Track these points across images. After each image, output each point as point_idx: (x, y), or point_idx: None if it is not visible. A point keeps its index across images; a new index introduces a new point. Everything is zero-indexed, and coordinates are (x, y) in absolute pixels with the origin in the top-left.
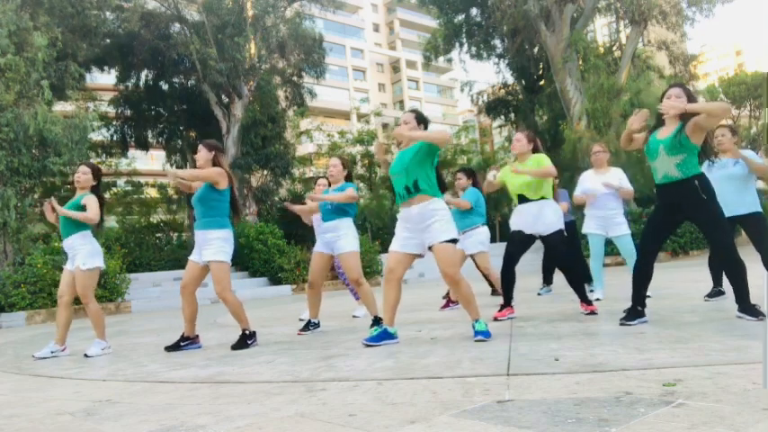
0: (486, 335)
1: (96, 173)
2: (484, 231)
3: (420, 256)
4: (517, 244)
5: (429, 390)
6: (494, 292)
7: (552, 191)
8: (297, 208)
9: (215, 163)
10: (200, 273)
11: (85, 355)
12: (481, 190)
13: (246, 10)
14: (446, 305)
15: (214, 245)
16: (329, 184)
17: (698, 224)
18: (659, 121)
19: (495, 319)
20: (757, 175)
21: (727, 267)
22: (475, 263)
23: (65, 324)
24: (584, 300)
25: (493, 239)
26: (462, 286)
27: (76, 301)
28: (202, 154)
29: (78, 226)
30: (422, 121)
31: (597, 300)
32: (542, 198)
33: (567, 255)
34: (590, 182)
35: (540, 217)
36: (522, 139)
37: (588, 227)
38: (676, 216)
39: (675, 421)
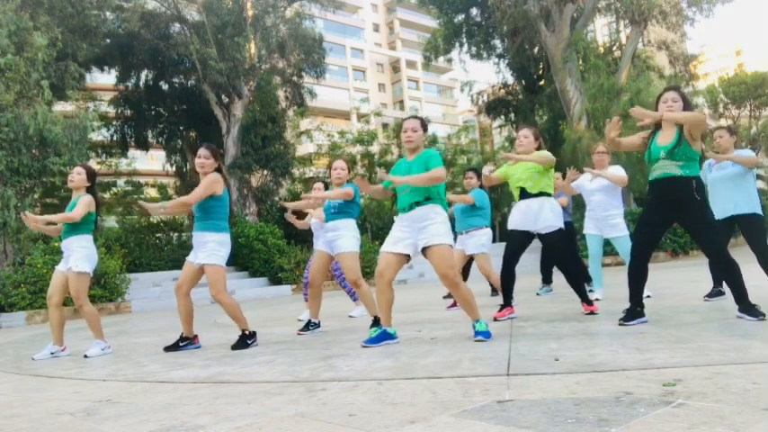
0: (486, 335)
1: (91, 174)
2: (486, 233)
3: (409, 257)
4: (517, 243)
5: (429, 390)
6: (494, 293)
7: (553, 186)
8: (292, 205)
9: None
10: (196, 274)
11: (85, 356)
12: (487, 191)
13: (246, 10)
14: (453, 305)
15: (209, 248)
16: (326, 187)
17: (688, 225)
18: (657, 125)
19: (495, 320)
20: (749, 166)
21: (721, 269)
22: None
23: (58, 324)
24: (585, 299)
25: (493, 240)
26: (461, 287)
27: None
28: (210, 162)
29: (77, 228)
30: (426, 128)
31: (597, 300)
32: (542, 193)
33: (565, 254)
34: (588, 182)
35: (540, 215)
36: (529, 135)
37: (586, 228)
38: (668, 214)
39: (675, 421)
